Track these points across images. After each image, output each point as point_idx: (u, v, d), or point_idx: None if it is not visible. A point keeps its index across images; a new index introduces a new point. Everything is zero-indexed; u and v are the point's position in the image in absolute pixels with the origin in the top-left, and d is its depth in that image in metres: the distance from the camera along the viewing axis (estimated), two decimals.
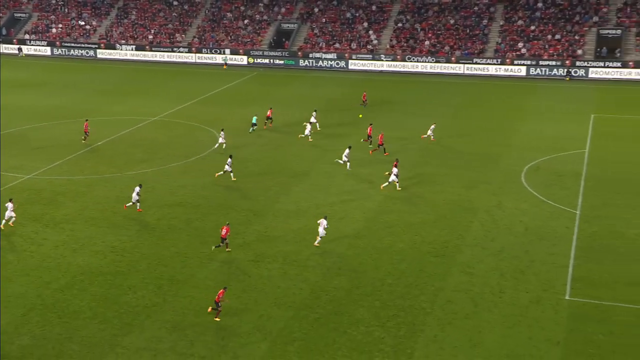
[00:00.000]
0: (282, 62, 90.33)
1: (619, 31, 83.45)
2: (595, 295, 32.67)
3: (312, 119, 59.64)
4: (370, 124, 56.23)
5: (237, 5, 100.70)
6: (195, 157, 53.37)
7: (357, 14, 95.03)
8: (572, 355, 28.31)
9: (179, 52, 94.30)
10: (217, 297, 31.02)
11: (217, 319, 30.71)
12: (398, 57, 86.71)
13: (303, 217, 41.97)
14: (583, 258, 36.30)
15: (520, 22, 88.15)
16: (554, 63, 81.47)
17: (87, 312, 31.51)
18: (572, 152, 53.08)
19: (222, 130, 55.59)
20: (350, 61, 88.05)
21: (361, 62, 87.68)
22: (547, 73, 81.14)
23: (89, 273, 35.13)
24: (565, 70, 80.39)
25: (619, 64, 79.62)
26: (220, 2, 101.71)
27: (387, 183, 45.91)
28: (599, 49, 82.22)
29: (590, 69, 79.99)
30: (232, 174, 47.68)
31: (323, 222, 38.28)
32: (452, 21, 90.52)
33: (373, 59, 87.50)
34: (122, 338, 29.49)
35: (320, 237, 38.17)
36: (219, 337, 29.57)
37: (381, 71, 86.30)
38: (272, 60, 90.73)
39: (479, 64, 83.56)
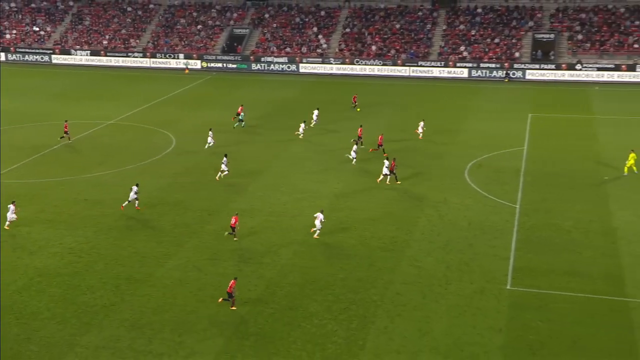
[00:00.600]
0: (235, 66, 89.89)
1: (552, 35, 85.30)
2: (534, 285, 33.34)
3: (314, 117, 60.93)
4: (361, 126, 56.26)
5: (190, 11, 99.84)
6: (151, 159, 52.74)
7: (307, 19, 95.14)
8: (513, 341, 28.85)
9: (134, 57, 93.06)
10: (229, 287, 31.25)
11: (233, 308, 31.03)
12: (347, 60, 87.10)
13: (257, 216, 41.83)
14: (523, 250, 37.00)
15: (461, 27, 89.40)
16: (493, 65, 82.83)
17: (45, 313, 30.88)
18: (511, 149, 54.04)
19: (210, 130, 55.45)
20: (301, 65, 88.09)
21: (311, 65, 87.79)
22: (487, 75, 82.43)
23: (46, 274, 34.42)
24: (504, 72, 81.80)
25: (553, 66, 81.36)
26: (174, 9, 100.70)
27: (382, 176, 46.67)
28: (534, 52, 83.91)
29: (527, 71, 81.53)
30: (227, 172, 47.60)
31: (320, 216, 38.54)
32: (397, 26, 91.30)
33: (323, 63, 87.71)
34: (80, 337, 28.99)
35: (318, 230, 38.42)
36: (176, 334, 29.30)
37: (331, 74, 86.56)
38: (225, 65, 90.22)
39: (423, 66, 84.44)
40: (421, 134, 57.10)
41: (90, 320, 30.28)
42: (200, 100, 73.38)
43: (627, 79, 78.42)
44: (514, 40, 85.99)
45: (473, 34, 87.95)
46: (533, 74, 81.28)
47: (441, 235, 38.98)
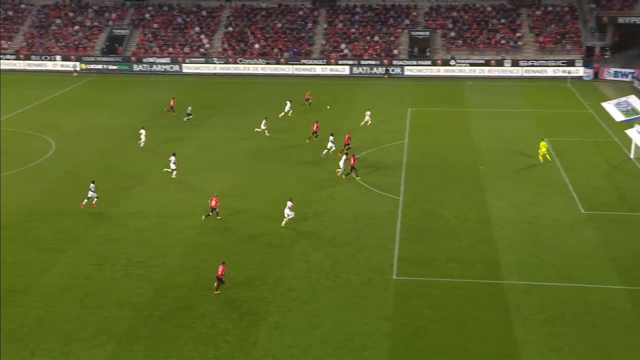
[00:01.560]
0: (116, 67, 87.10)
1: (427, 33, 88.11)
2: (418, 273, 34.36)
3: (287, 107, 62.42)
4: (316, 121, 56.06)
5: (66, 11, 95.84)
6: (30, 165, 50.29)
7: (189, 19, 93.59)
8: (400, 328, 29.61)
9: (6, 59, 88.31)
10: (219, 273, 31.74)
11: (217, 292, 31.78)
12: (230, 59, 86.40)
13: (144, 219, 40.80)
14: (407, 240, 38.03)
15: (341, 25, 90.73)
16: (373, 62, 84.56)
17: None
18: (393, 143, 55.36)
19: (142, 128, 54.75)
20: (183, 65, 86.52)
21: (195, 65, 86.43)
22: (368, 72, 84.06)
23: None
24: (384, 68, 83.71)
25: (429, 62, 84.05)
26: (47, 9, 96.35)
27: (340, 170, 47.30)
28: (411, 49, 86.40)
29: (406, 67, 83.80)
30: (175, 172, 47.19)
31: (288, 204, 39.19)
32: (279, 25, 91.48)
33: (206, 62, 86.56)
34: None
35: (287, 218, 38.83)
36: (61, 344, 28.09)
37: (214, 74, 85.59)
38: (105, 66, 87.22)
39: (306, 64, 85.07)
40: (369, 122, 58.65)
41: None
42: (81, 103, 70.62)
43: (496, 74, 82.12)
44: (392, 38, 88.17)
45: (353, 32, 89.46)
46: (411, 70, 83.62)
47: (329, 229, 39.43)
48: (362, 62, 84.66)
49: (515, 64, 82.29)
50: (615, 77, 79.51)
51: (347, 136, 52.73)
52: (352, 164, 47.06)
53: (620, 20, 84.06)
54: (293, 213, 39.59)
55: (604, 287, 32.75)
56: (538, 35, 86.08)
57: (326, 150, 51.98)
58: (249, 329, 29.49)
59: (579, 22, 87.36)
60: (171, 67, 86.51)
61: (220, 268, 32.05)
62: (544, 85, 77.07)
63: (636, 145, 50.05)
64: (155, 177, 47.69)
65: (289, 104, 63.68)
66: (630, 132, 50.70)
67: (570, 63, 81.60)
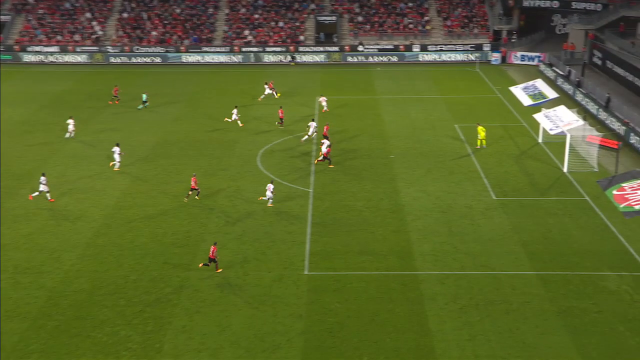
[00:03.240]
0: None
1: (334, 17, 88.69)
2: (330, 267, 34.57)
3: (267, 90, 64.03)
4: (281, 107, 55.99)
5: None
6: None
7: (78, 4, 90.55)
8: (313, 325, 29.73)
9: None
10: (210, 254, 33.06)
11: (219, 270, 33.57)
12: (126, 48, 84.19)
13: (34, 221, 39.25)
14: (318, 233, 38.19)
15: (244, 11, 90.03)
16: (279, 49, 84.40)
17: None
18: (302, 133, 55.44)
19: (70, 118, 54.30)
20: (73, 54, 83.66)
21: (87, 54, 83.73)
22: (273, 59, 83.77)
23: None
24: (290, 55, 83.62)
25: (336, 48, 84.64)
26: None
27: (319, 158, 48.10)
28: (318, 35, 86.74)
29: (312, 54, 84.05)
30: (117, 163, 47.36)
31: (270, 187, 41.12)
32: (178, 10, 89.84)
33: (100, 51, 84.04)
34: None
35: (269, 199, 40.93)
36: None
37: (109, 63, 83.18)
38: None
39: (208, 52, 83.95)
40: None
41: None
42: None
43: (405, 60, 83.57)
44: (297, 24, 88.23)
45: (257, 17, 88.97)
46: (318, 57, 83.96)
47: (236, 225, 39.10)
48: (267, 48, 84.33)
49: (424, 48, 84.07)
50: (522, 61, 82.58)
51: (325, 127, 52.66)
52: (326, 153, 47.88)
53: (526, 3, 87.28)
54: (272, 194, 41.10)
55: (517, 274, 33.95)
56: (445, 20, 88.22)
57: (307, 137, 52.77)
58: (153, 334, 28.89)
59: (485, 5, 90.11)
60: (59, 57, 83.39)
61: (212, 248, 33.28)
62: (453, 70, 79.08)
63: (544, 130, 52.17)
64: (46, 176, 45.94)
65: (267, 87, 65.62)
66: (538, 117, 52.73)
67: (478, 47, 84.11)
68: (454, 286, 32.79)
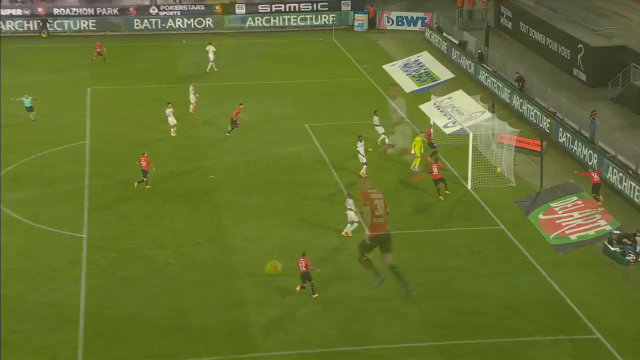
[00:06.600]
0: None
1: None
2: None
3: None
4: (241, 104, 55.52)
5: None
6: None
7: None
8: None
9: None
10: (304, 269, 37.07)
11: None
12: None
13: None
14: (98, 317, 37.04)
15: None
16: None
17: None
18: (69, 145, 54.59)
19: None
20: None
21: None
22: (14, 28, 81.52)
23: None
24: (39, 23, 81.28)
25: (115, 12, 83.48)
26: None
27: None
28: None
29: (76, 20, 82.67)
30: None
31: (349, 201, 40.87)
32: None
33: None
34: None
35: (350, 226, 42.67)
36: None
37: None
38: None
39: None
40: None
41: None
42: None
43: (225, 27, 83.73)
44: None
45: None
46: (84, 24, 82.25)
47: None
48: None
49: (252, 10, 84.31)
50: (399, 25, 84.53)
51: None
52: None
53: None
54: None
55: (408, 347, 34.44)
56: None
57: None
58: None
59: None
60: None
61: (304, 262, 36.86)
62: (298, 42, 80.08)
63: (435, 126, 53.06)
64: None
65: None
66: (426, 108, 53.84)
67: (334, 6, 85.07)
68: None
